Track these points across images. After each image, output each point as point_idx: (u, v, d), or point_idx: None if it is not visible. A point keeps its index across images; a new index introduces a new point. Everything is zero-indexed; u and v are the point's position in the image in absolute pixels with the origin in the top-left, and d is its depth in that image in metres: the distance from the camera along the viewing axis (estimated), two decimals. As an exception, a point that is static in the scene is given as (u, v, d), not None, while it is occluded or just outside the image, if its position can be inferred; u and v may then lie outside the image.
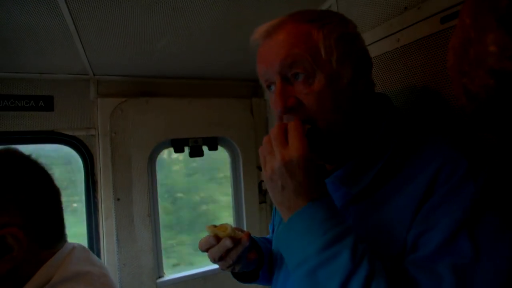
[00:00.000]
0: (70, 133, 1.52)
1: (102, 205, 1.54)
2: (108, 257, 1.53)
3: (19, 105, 1.44)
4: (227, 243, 0.71)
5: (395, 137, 0.66)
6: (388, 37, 0.93)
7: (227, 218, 1.92)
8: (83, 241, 1.55)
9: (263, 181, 1.85)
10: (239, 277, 0.89)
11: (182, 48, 1.42)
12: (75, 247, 0.77)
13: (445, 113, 0.78)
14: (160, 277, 1.64)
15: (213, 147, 1.75)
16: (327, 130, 0.64)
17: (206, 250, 0.75)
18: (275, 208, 0.96)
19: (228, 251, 0.72)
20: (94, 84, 1.56)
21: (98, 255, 1.55)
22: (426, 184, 0.56)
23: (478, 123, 0.66)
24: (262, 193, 1.85)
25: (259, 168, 1.85)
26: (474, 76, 0.47)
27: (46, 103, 1.48)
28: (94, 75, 1.55)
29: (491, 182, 0.55)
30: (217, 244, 0.73)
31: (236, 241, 0.72)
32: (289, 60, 0.62)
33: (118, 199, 1.53)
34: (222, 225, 0.74)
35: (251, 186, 1.82)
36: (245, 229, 1.77)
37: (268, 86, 0.69)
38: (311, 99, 0.62)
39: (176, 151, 1.67)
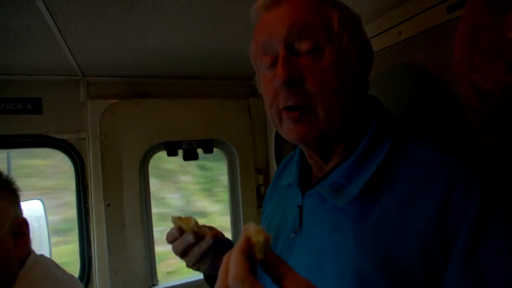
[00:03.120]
0: (59, 136, 1.47)
1: (93, 211, 1.48)
2: (99, 264, 1.47)
3: (6, 108, 1.39)
4: (189, 237, 0.67)
5: (386, 142, 0.58)
6: (388, 31, 0.85)
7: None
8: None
9: (261, 184, 1.77)
10: (212, 282, 0.82)
11: (174, 47, 1.35)
12: (38, 261, 0.81)
13: (451, 115, 0.69)
14: (153, 285, 1.58)
15: (208, 150, 1.68)
16: (327, 114, 0.57)
17: (171, 243, 0.71)
18: (263, 218, 0.88)
19: (191, 246, 0.68)
20: (84, 86, 1.51)
21: (89, 262, 1.50)
22: (435, 212, 0.48)
23: (493, 128, 0.57)
24: (261, 197, 1.77)
25: (258, 171, 1.77)
26: (487, 71, 0.39)
27: (34, 106, 1.43)
28: (84, 76, 1.50)
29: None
30: (180, 237, 0.69)
31: (199, 237, 0.68)
32: (298, 27, 0.55)
33: (109, 205, 1.47)
34: (186, 218, 0.69)
35: (249, 190, 1.74)
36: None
37: (271, 64, 0.60)
38: (317, 76, 0.56)
39: (169, 155, 1.60)
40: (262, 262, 0.41)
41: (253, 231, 0.43)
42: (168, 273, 1.74)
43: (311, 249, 0.60)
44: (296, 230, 0.65)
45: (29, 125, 1.42)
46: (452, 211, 0.48)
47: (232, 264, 0.40)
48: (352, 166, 0.58)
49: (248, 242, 0.42)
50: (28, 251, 0.81)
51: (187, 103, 1.62)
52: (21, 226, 0.79)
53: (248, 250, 0.41)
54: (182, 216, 0.70)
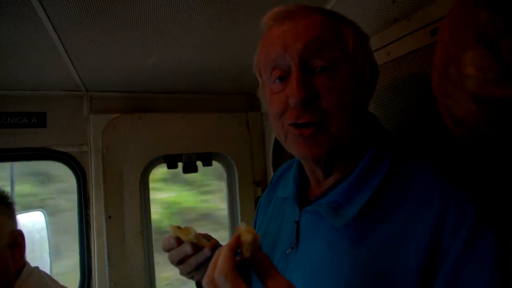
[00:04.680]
0: (62, 149, 1.50)
1: (94, 222, 1.51)
2: (99, 276, 1.49)
3: (12, 122, 1.44)
4: (187, 249, 0.67)
5: (385, 163, 0.59)
6: (379, 50, 0.88)
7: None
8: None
9: (260, 196, 1.79)
10: None
11: (175, 63, 1.39)
12: (33, 272, 0.84)
13: (439, 134, 0.72)
14: (152, 297, 1.58)
15: (207, 163, 1.71)
16: (340, 131, 0.57)
17: (168, 251, 0.70)
18: (257, 226, 0.90)
19: (188, 256, 0.68)
20: (87, 101, 1.55)
21: (89, 273, 1.51)
22: (429, 237, 0.49)
23: (470, 148, 0.60)
24: (259, 209, 1.79)
25: (256, 183, 1.79)
26: (458, 98, 0.41)
27: (38, 120, 1.48)
28: (87, 91, 1.54)
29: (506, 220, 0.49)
30: (178, 247, 0.68)
31: (198, 248, 0.67)
32: (316, 44, 0.55)
33: (110, 217, 1.49)
34: (186, 228, 0.69)
35: (247, 202, 1.76)
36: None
37: (278, 77, 0.59)
38: (332, 95, 0.55)
39: (169, 167, 1.63)
40: (249, 259, 0.45)
41: (243, 230, 0.47)
42: (167, 284, 1.75)
43: (307, 266, 0.61)
44: (292, 246, 0.66)
45: (33, 138, 1.46)
46: (444, 239, 0.48)
47: (220, 259, 0.44)
48: (351, 186, 0.59)
49: (238, 240, 0.46)
50: (23, 262, 0.84)
51: (187, 117, 1.66)
52: (17, 238, 0.83)
53: (237, 248, 0.45)
54: (182, 226, 0.70)
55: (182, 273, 0.73)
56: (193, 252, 0.67)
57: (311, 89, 0.55)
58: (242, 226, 0.48)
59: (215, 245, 0.69)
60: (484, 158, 0.61)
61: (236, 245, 0.46)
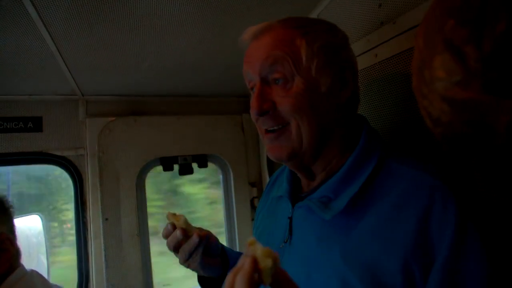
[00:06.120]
0: (59, 153, 1.52)
1: (91, 225, 1.52)
2: (97, 277, 1.50)
3: (8, 127, 1.45)
4: (178, 234, 0.73)
5: (373, 160, 0.63)
6: (366, 53, 0.91)
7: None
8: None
9: (255, 197, 1.81)
10: (204, 284, 0.86)
11: (169, 66, 1.42)
12: (26, 274, 0.85)
13: (425, 134, 0.75)
14: (150, 298, 1.60)
15: (202, 165, 1.73)
16: (298, 134, 0.63)
17: (166, 237, 0.76)
18: (255, 227, 0.93)
19: (181, 243, 0.73)
20: (83, 104, 1.57)
21: (87, 275, 1.52)
22: (416, 228, 0.52)
23: (448, 146, 0.63)
24: (254, 209, 1.81)
25: (251, 184, 1.82)
26: (432, 99, 0.44)
27: (35, 124, 1.49)
28: (83, 95, 1.56)
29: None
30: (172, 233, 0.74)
31: (188, 235, 0.73)
32: (269, 61, 0.63)
33: (106, 219, 1.51)
34: (179, 215, 0.74)
35: (243, 203, 1.78)
36: (237, 247, 1.74)
37: (251, 88, 0.69)
38: (287, 101, 0.62)
39: (165, 170, 1.65)
40: (272, 284, 0.40)
41: (260, 254, 0.40)
42: (164, 285, 1.76)
43: (299, 259, 0.64)
44: (285, 240, 0.69)
45: (30, 142, 1.47)
46: (431, 231, 0.51)
47: None
48: (339, 181, 0.63)
49: (255, 266, 0.40)
50: (13, 266, 0.84)
51: (182, 119, 1.68)
52: (4, 243, 0.83)
53: (255, 276, 0.39)
54: (177, 213, 0.76)
55: (180, 262, 0.78)
56: (182, 237, 0.72)
57: (268, 101, 0.64)
58: (258, 248, 0.40)
59: (207, 235, 0.75)
60: (464, 156, 0.64)
61: (253, 273, 0.39)
